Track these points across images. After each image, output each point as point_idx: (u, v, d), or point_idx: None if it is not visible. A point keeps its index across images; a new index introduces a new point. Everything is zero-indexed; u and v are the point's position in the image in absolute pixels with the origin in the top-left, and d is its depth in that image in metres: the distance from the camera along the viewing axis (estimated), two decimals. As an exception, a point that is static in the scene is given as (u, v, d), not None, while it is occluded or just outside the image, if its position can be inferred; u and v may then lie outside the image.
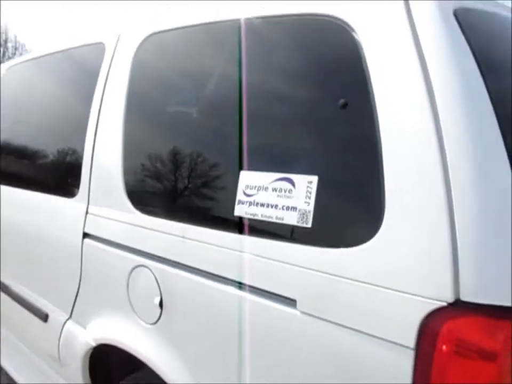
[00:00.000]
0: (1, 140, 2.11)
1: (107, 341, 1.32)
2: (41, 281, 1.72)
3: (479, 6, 0.98)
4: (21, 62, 2.19)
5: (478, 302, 0.67)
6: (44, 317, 1.62)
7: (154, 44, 1.35)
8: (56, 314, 1.57)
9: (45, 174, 1.86)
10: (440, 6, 0.83)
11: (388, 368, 0.73)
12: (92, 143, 1.43)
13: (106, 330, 1.34)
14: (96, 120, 1.44)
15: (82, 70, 1.64)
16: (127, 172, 1.30)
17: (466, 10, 0.89)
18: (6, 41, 33.14)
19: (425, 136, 0.73)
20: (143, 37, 1.37)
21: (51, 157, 1.81)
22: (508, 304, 0.66)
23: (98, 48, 1.52)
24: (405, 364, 0.70)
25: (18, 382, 1.89)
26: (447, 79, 0.76)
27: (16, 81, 2.16)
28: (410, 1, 0.83)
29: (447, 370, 0.68)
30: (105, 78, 1.45)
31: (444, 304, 0.68)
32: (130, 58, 1.38)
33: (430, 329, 0.69)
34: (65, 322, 1.51)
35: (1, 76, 2.24)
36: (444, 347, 0.68)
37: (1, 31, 32.59)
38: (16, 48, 33.59)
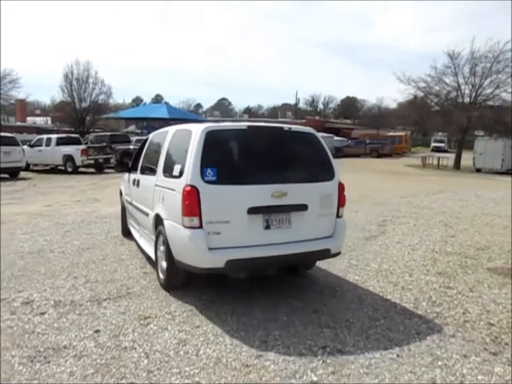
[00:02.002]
0: (142, 157, 6.24)
1: (156, 212, 4.80)
2: (145, 201, 5.37)
3: (216, 127, 4.41)
4: (159, 132, 6.10)
5: (191, 184, 4.03)
6: (147, 214, 5.27)
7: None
8: (149, 212, 5.12)
9: (151, 168, 5.44)
10: (203, 130, 4.22)
11: (178, 197, 4.15)
12: (164, 158, 5.00)
13: (155, 210, 4.85)
14: (167, 149, 5.07)
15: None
16: (164, 167, 4.89)
17: (210, 130, 4.25)
18: (87, 78, 33.49)
19: (189, 151, 4.22)
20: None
21: (154, 162, 5.37)
22: (193, 184, 4.04)
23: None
24: (180, 195, 4.10)
25: (140, 243, 5.90)
26: (193, 142, 4.21)
27: (155, 137, 6.20)
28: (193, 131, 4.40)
29: (185, 196, 4.05)
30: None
31: (186, 184, 4.06)
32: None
33: (183, 189, 4.08)
34: (150, 213, 5.11)
35: (152, 136, 6.43)
36: (184, 192, 4.06)
37: (84, 68, 33.08)
38: (95, 84, 33.88)
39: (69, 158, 19.26)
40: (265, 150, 4.48)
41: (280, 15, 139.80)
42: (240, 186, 4.14)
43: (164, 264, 4.59)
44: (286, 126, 4.64)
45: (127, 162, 7.48)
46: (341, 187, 4.69)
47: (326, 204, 4.54)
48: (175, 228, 4.21)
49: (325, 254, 4.54)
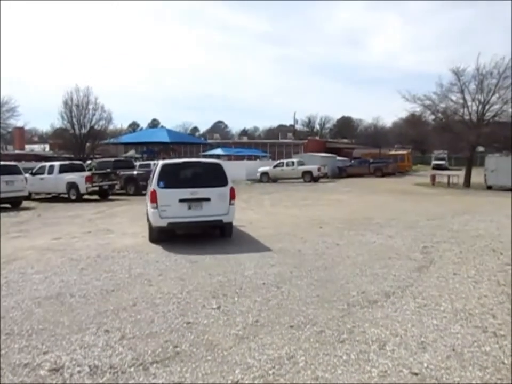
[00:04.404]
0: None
1: (146, 203, 9.77)
2: (146, 200, 9.66)
3: (168, 162, 9.65)
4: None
5: (153, 188, 8.91)
6: (146, 206, 9.80)
7: (165, 165, 9.19)
8: (146, 204, 9.70)
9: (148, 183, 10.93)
10: (162, 163, 9.35)
11: (149, 195, 9.33)
12: (151, 177, 9.63)
13: (147, 203, 9.76)
14: (154, 169, 9.55)
15: (157, 166, 9.44)
16: (150, 182, 9.67)
17: (165, 163, 9.33)
18: (87, 104, 33.28)
19: (155, 173, 9.32)
20: (161, 163, 9.29)
21: (150, 180, 10.12)
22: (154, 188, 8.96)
23: (158, 163, 9.58)
24: (149, 193, 9.12)
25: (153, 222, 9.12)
26: (157, 168, 9.28)
27: (154, 166, 11.88)
28: None
29: (150, 194, 8.98)
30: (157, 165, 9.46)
31: (151, 188, 8.96)
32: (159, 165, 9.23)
33: (150, 190, 8.98)
34: (146, 205, 9.76)
35: (152, 166, 14.78)
36: (150, 192, 9.11)
37: (84, 94, 33.07)
38: (95, 110, 33.61)
39: (72, 186, 18.51)
40: (189, 172, 9.31)
41: (274, 38, 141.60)
42: (175, 189, 8.68)
43: (148, 226, 9.38)
44: (202, 160, 10.91)
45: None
46: (232, 189, 8.99)
47: (222, 198, 8.86)
48: (149, 209, 8.79)
49: (221, 222, 8.95)
